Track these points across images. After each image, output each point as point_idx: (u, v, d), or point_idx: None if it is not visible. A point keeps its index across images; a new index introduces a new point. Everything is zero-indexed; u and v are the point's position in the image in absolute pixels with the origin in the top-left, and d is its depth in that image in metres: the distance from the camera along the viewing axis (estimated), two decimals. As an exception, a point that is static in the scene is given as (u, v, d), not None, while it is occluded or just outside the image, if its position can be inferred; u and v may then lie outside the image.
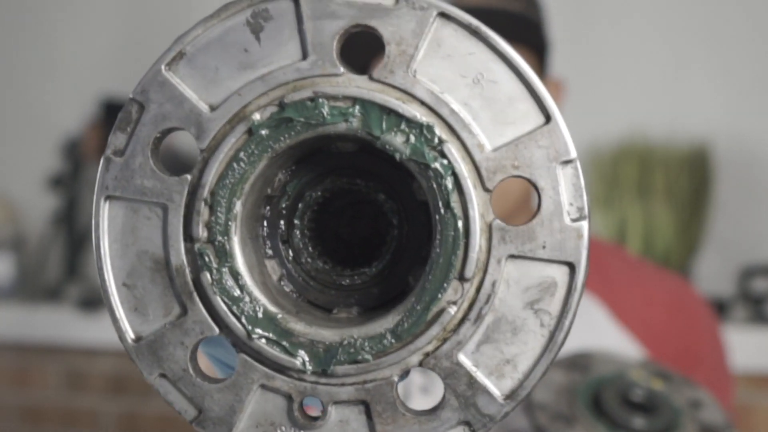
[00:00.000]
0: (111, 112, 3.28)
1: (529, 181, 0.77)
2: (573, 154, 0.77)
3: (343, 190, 0.87)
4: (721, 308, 3.38)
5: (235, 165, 0.79)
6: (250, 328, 0.79)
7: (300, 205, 0.88)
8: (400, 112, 0.77)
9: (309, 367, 0.79)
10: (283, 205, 0.87)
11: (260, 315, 0.79)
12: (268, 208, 0.87)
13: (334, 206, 0.89)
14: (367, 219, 0.90)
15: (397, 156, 0.77)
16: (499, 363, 0.79)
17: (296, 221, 0.89)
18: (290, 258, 0.88)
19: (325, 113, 0.77)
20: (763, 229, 3.75)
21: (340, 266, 0.88)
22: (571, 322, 0.78)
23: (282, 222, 0.88)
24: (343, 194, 0.88)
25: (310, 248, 0.89)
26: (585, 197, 0.78)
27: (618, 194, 3.53)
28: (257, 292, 0.80)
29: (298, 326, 0.79)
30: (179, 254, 0.80)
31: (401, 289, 0.86)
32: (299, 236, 0.89)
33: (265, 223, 0.87)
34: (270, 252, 0.87)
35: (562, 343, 0.79)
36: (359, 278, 0.88)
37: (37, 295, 3.66)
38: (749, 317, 3.48)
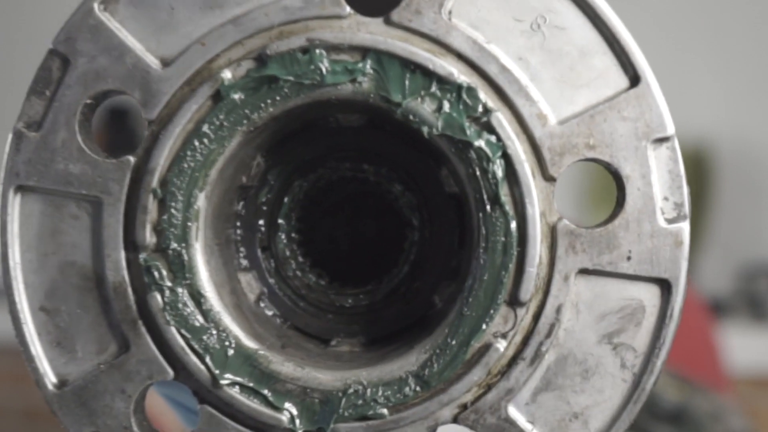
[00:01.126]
0: (115, 118, 2.95)
1: (609, 166, 0.56)
2: (670, 129, 0.56)
3: (344, 179, 0.65)
4: (720, 308, 3.30)
5: (196, 143, 0.56)
6: (217, 371, 0.56)
7: (286, 200, 0.65)
8: (431, 69, 0.54)
9: (299, 425, 0.56)
10: (263, 199, 0.65)
11: (231, 352, 0.57)
12: (242, 203, 0.64)
13: (331, 201, 0.67)
14: (377, 218, 0.68)
15: (425, 131, 0.55)
16: (564, 418, 0.57)
17: (281, 221, 0.66)
18: (273, 270, 0.66)
19: (323, 70, 0.55)
20: (765, 229, 3.66)
21: (339, 281, 0.66)
22: (664, 362, 0.57)
23: (262, 222, 0.66)
24: (344, 185, 0.66)
25: (299, 257, 0.66)
26: (685, 189, 0.56)
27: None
28: (227, 320, 0.57)
29: (284, 368, 0.57)
30: (118, 268, 0.57)
31: (423, 313, 0.64)
32: (285, 241, 0.66)
33: (239, 224, 0.65)
34: (245, 263, 0.64)
35: (650, 390, 0.57)
36: (365, 298, 0.65)
37: None
38: (750, 318, 3.41)
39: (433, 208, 0.64)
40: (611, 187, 0.57)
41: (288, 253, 0.66)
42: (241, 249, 0.65)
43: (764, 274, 3.52)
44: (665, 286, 0.56)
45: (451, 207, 0.63)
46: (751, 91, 3.63)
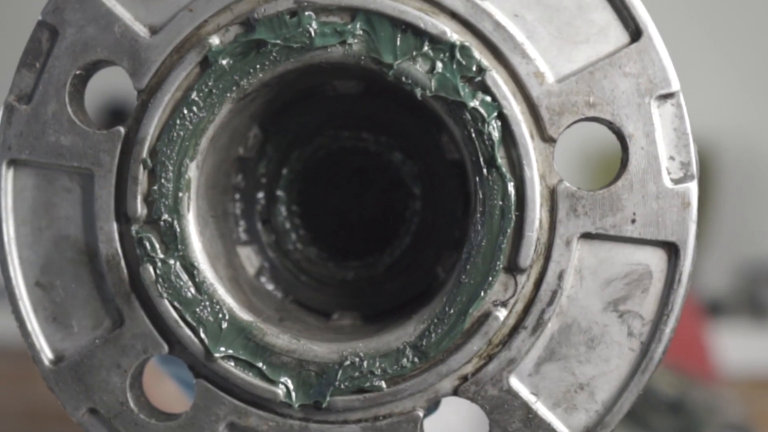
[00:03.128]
0: (116, 119, 2.96)
1: (611, 124, 0.53)
2: (675, 85, 0.53)
3: (343, 148, 0.63)
4: (720, 308, 3.26)
5: (185, 111, 0.55)
6: (211, 344, 0.55)
7: (285, 171, 0.64)
8: (422, 28, 0.53)
9: (295, 398, 0.55)
10: (262, 171, 0.63)
11: (225, 325, 0.55)
12: (241, 175, 0.63)
13: (331, 173, 0.65)
14: (378, 190, 0.66)
15: (418, 92, 0.53)
16: (569, 389, 0.55)
17: (280, 193, 0.64)
18: (273, 244, 0.64)
19: (312, 32, 0.53)
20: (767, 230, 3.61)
21: (340, 255, 0.64)
22: (673, 330, 0.54)
23: (261, 194, 0.64)
24: (343, 155, 0.64)
25: (299, 230, 0.65)
26: (692, 147, 0.53)
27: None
28: (221, 292, 0.56)
29: (280, 340, 0.56)
30: (110, 240, 0.56)
31: (427, 286, 0.62)
32: (284, 214, 0.65)
33: (238, 197, 0.63)
34: (245, 236, 0.63)
35: (660, 360, 0.55)
36: (367, 270, 0.64)
37: None
38: (750, 318, 3.36)
39: (434, 176, 0.62)
40: (617, 152, 0.54)
41: (288, 225, 0.65)
42: (241, 222, 0.64)
43: (765, 275, 3.44)
44: (673, 250, 0.54)
45: (453, 175, 0.61)
46: (754, 92, 3.57)
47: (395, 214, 0.64)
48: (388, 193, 0.65)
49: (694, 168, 0.53)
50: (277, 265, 0.65)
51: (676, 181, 0.53)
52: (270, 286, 0.64)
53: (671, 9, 3.52)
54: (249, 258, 0.63)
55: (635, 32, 0.53)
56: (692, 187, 0.53)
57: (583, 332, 0.55)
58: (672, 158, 0.53)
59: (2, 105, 0.57)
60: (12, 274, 0.58)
